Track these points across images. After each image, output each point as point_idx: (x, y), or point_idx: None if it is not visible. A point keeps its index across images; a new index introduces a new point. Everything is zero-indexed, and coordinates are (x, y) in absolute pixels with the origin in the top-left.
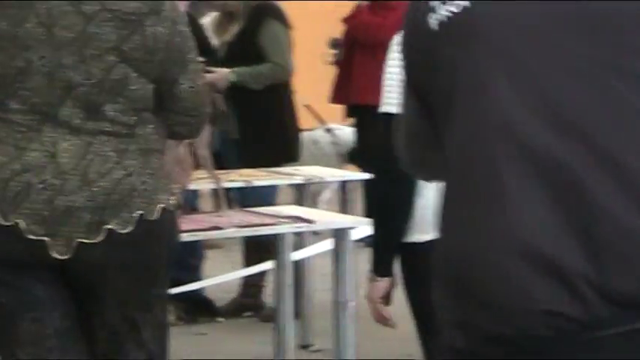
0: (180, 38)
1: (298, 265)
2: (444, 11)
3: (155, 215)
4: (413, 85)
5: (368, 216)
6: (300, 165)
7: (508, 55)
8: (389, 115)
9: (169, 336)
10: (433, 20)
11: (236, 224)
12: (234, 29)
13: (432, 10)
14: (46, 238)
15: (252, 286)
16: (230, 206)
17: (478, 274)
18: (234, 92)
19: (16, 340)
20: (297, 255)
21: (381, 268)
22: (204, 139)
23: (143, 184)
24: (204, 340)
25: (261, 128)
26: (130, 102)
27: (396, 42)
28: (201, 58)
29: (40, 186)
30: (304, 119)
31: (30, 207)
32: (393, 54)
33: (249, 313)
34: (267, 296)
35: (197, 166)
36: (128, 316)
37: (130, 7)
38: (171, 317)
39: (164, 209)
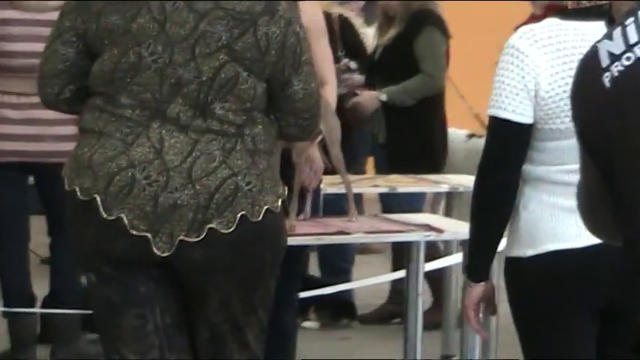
0: (295, 39)
1: (440, 275)
2: (616, 69)
3: (259, 217)
4: (588, 150)
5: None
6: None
7: None
8: (496, 119)
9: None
10: (607, 79)
11: (364, 230)
12: (391, 33)
13: (606, 70)
14: (148, 235)
15: (399, 292)
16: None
17: None
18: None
19: (120, 336)
20: (430, 265)
21: (475, 273)
22: (338, 139)
23: (248, 185)
24: (348, 345)
25: (409, 135)
26: (240, 101)
27: (510, 45)
28: (353, 63)
29: (145, 182)
30: (474, 127)
31: (134, 202)
32: (506, 57)
33: (397, 320)
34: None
35: (330, 168)
36: (231, 317)
37: (244, 6)
38: (315, 322)
39: (269, 211)
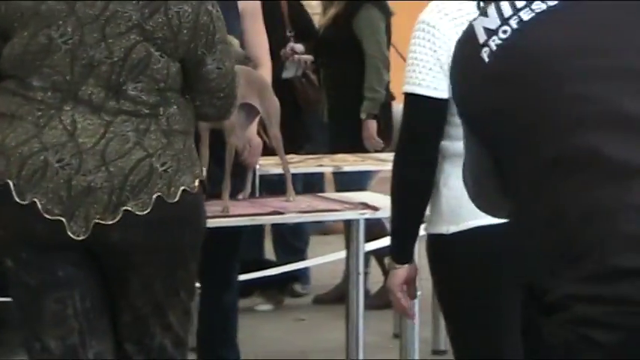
0: (207, 17)
1: None
2: (493, 43)
3: (175, 197)
4: (471, 126)
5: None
6: None
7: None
8: (411, 96)
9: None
10: (485, 54)
11: (299, 210)
12: (332, 11)
13: (484, 45)
14: (62, 218)
15: None
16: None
17: None
18: (327, 74)
19: (39, 321)
20: (373, 244)
21: (399, 256)
22: (277, 118)
23: (163, 166)
24: (302, 326)
25: (351, 112)
26: (153, 81)
27: (421, 20)
28: (299, 45)
29: (58, 165)
30: None
31: (47, 186)
32: (417, 32)
33: None
34: (373, 284)
35: (268, 147)
36: (153, 299)
37: None
38: (268, 304)
39: (185, 192)
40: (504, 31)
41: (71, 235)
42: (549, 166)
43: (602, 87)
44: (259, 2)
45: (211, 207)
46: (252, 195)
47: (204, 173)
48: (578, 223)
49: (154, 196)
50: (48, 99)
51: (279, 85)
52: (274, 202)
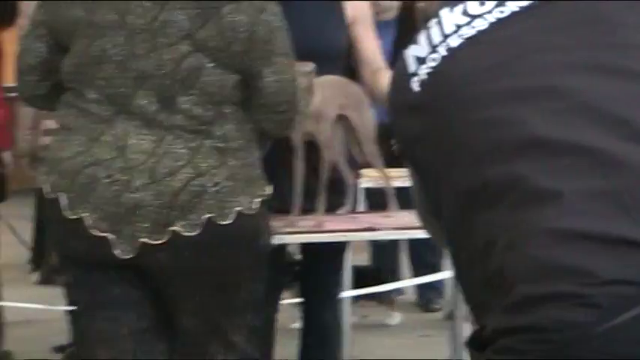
0: (265, 28)
1: None
2: (424, 72)
3: (228, 219)
4: (407, 158)
5: None
6: None
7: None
8: None
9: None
10: (415, 83)
11: (396, 226)
12: None
13: (413, 75)
14: (109, 235)
15: None
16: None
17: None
18: None
19: (93, 340)
20: None
21: None
22: (371, 134)
23: (216, 186)
24: (425, 343)
25: None
26: (206, 94)
27: None
28: None
29: (107, 181)
30: None
31: (95, 202)
32: None
33: None
34: None
35: (366, 163)
36: (210, 320)
37: None
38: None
39: (240, 213)
40: (433, 59)
41: (117, 254)
42: (473, 194)
43: (517, 109)
44: (368, 7)
45: (305, 222)
46: (352, 210)
47: (269, 190)
48: (502, 252)
49: (204, 217)
50: (102, 112)
51: None
52: (372, 218)
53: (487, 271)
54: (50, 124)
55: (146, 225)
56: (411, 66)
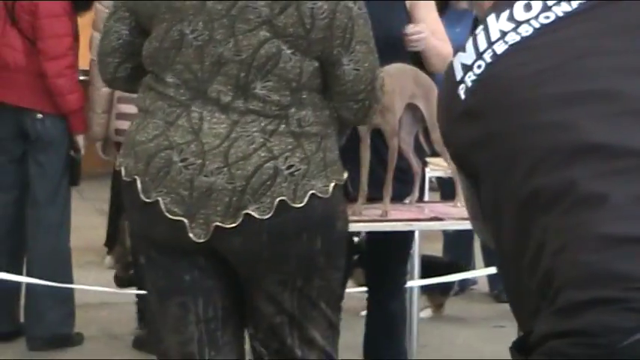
0: (345, 15)
1: None
2: (469, 79)
3: (302, 202)
4: (460, 167)
5: None
6: None
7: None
8: None
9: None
10: (462, 91)
11: (463, 216)
12: None
13: (461, 82)
14: (184, 219)
15: None
16: None
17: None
18: None
19: (164, 323)
20: None
21: None
22: (435, 121)
23: (290, 169)
24: (501, 334)
25: None
26: (283, 80)
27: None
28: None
29: (181, 164)
30: None
31: (170, 185)
32: None
33: None
34: None
35: (435, 152)
36: (284, 310)
37: None
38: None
39: (314, 196)
40: (479, 66)
41: (192, 237)
42: (530, 200)
43: (569, 113)
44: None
45: (371, 210)
46: (420, 199)
47: (345, 176)
48: (552, 256)
49: (277, 200)
50: (179, 95)
51: None
52: (439, 207)
53: (537, 275)
54: (124, 107)
55: (219, 208)
56: (458, 74)
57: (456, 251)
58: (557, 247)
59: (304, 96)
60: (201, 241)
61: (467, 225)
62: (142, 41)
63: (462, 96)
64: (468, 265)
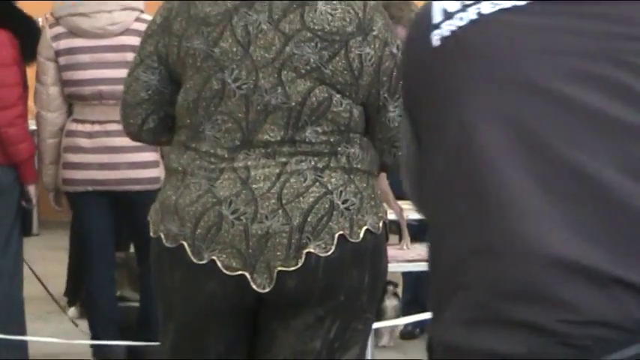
0: (391, 62)
1: None
2: (447, 27)
3: (358, 237)
4: (409, 111)
5: None
6: None
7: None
8: None
9: None
10: (436, 37)
11: (407, 259)
12: None
13: (436, 27)
14: (245, 273)
15: None
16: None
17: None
18: None
19: None
20: None
21: None
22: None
23: (345, 203)
24: None
25: None
26: (334, 124)
27: None
28: None
29: (232, 217)
30: None
31: (224, 241)
32: None
33: None
34: None
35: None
36: (326, 339)
37: (334, 26)
38: None
39: (369, 232)
40: (461, 18)
41: (256, 289)
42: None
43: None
44: None
45: None
46: None
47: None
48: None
49: (337, 235)
50: (219, 150)
51: None
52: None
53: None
54: (70, 157)
55: (279, 253)
56: (436, 17)
57: (416, 291)
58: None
59: (352, 136)
60: (266, 290)
61: (408, 267)
62: (171, 91)
63: (434, 43)
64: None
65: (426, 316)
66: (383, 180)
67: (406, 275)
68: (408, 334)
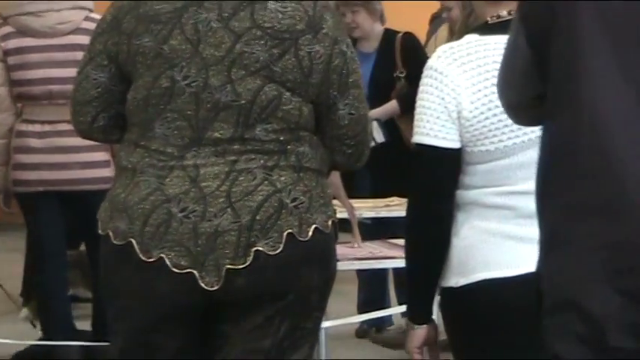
0: (341, 60)
1: None
2: None
3: (307, 236)
4: (527, 31)
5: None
6: None
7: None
8: (421, 146)
9: None
10: None
11: (358, 257)
12: None
13: None
14: (193, 270)
15: None
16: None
17: None
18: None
19: None
20: None
21: (417, 315)
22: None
23: (294, 202)
24: None
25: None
26: (284, 122)
27: (429, 66)
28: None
29: (181, 215)
30: None
31: (172, 239)
32: (426, 79)
33: None
34: None
35: None
36: (276, 338)
37: (284, 24)
38: None
39: (317, 230)
40: None
41: (204, 287)
42: None
43: None
44: None
45: None
46: None
47: (337, 215)
48: None
49: (285, 234)
50: (169, 148)
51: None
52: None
53: None
54: (21, 158)
55: (228, 251)
56: None
57: (370, 290)
58: None
59: (302, 134)
60: (215, 289)
61: (358, 265)
62: (122, 89)
63: None
64: (383, 304)
65: (381, 314)
66: (336, 177)
67: (361, 274)
68: (363, 332)
